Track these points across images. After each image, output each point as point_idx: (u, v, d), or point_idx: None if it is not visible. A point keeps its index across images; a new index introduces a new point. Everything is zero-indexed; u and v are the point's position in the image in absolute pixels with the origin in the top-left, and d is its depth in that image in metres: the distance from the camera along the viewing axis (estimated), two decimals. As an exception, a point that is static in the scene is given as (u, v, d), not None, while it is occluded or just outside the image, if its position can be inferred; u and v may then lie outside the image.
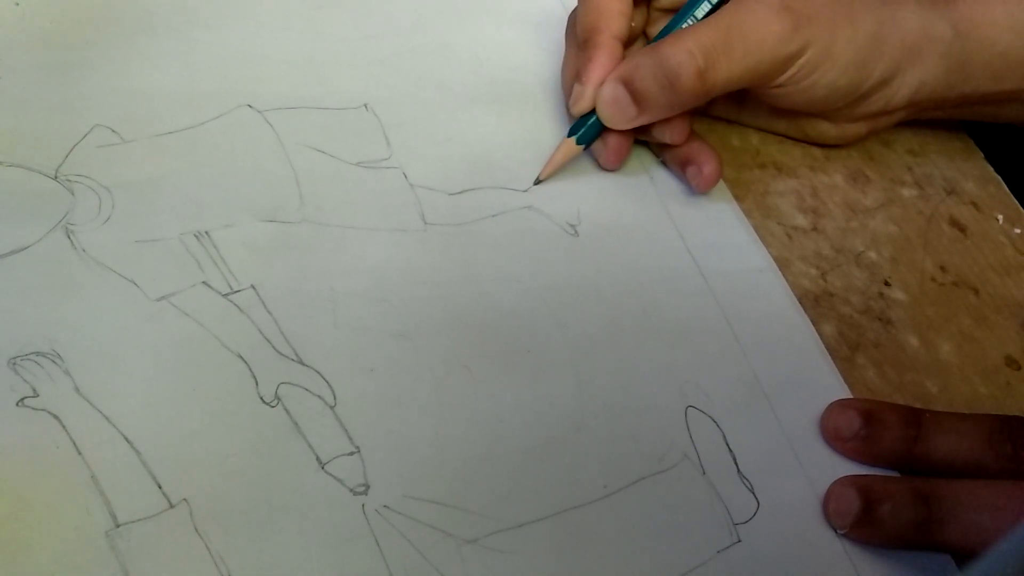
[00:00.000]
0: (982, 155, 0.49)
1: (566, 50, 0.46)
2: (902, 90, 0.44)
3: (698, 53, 0.40)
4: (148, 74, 0.43)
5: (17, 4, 0.44)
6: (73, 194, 0.38)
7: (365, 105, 0.44)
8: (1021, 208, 0.48)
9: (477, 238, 0.41)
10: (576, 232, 0.42)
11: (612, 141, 0.43)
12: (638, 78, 0.41)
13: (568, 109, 0.44)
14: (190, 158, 0.41)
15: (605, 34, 0.42)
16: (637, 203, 0.44)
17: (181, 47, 0.44)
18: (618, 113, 0.42)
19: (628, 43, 0.44)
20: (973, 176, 0.48)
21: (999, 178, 0.49)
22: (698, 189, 0.44)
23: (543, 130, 0.46)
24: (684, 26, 0.43)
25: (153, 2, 0.45)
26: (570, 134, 0.43)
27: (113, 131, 0.41)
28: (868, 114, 0.45)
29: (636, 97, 0.41)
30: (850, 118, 0.46)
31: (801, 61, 0.41)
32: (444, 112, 0.45)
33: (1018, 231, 0.47)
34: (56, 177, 0.39)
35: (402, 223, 0.41)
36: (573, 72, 0.44)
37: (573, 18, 0.45)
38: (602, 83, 0.42)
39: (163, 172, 0.40)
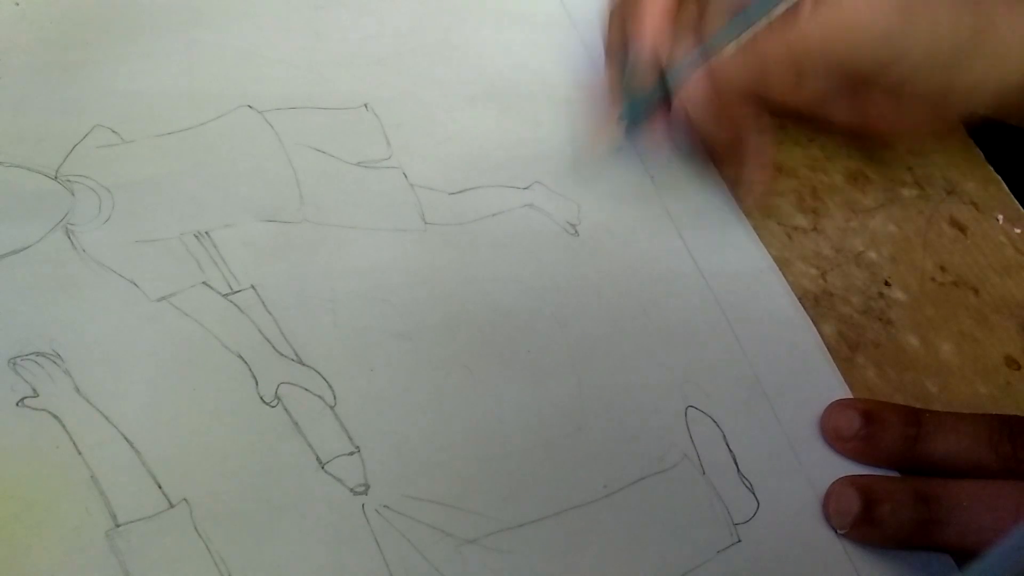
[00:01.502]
0: (982, 155, 0.49)
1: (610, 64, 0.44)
2: (987, 86, 0.40)
3: (795, 40, 0.38)
4: (148, 74, 0.43)
5: (17, 4, 0.44)
6: (73, 194, 0.38)
7: (365, 105, 0.44)
8: (1021, 208, 0.48)
9: (477, 238, 0.41)
10: (576, 232, 0.42)
11: (657, 125, 0.42)
12: (727, 68, 0.39)
13: (610, 82, 0.43)
14: (190, 158, 0.41)
15: None
16: (637, 203, 0.44)
17: (181, 47, 0.44)
18: (695, 97, 0.40)
19: None
20: (973, 176, 0.48)
21: (999, 178, 0.49)
22: (751, 201, 0.44)
23: (543, 129, 0.46)
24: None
25: (153, 2, 0.45)
26: (623, 118, 0.43)
27: (113, 131, 0.41)
28: (954, 109, 0.43)
29: (759, 71, 0.39)
30: (939, 114, 0.44)
31: (905, 60, 0.39)
32: (444, 112, 0.45)
33: (1018, 231, 0.47)
34: (56, 177, 0.39)
35: (402, 223, 0.41)
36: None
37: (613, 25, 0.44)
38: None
39: (163, 172, 0.40)
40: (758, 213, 0.45)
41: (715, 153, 0.45)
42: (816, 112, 0.45)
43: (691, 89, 0.40)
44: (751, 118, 0.41)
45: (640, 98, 0.42)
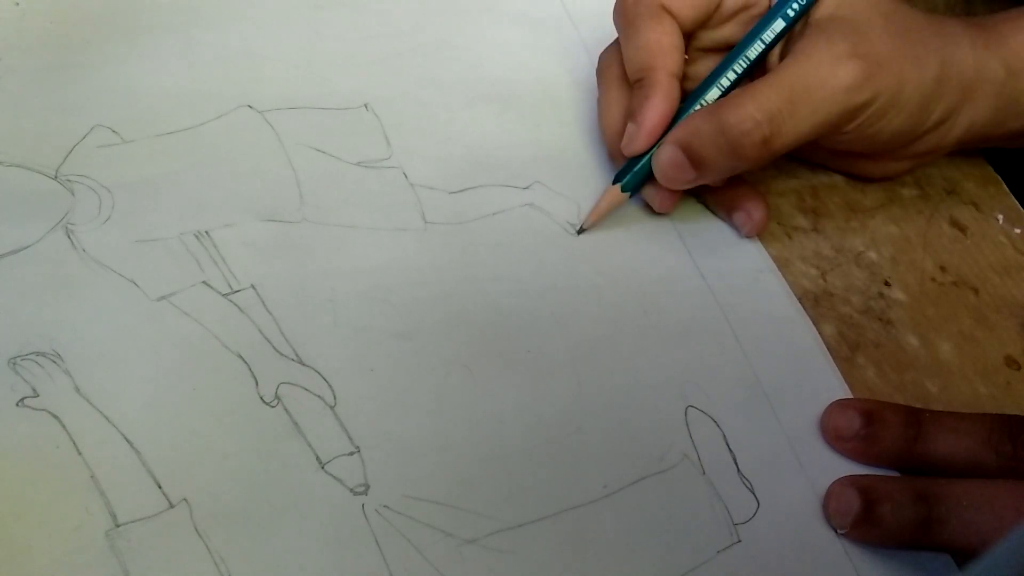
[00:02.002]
0: (982, 155, 0.49)
1: (605, 88, 0.44)
2: (955, 130, 0.43)
3: (763, 120, 0.38)
4: (148, 74, 0.43)
5: (17, 4, 0.44)
6: (73, 194, 0.38)
7: (365, 105, 0.44)
8: (1021, 208, 0.48)
9: (477, 237, 0.41)
10: (576, 232, 0.42)
11: (665, 190, 0.42)
12: (698, 144, 0.39)
13: (610, 153, 0.43)
14: (190, 158, 0.41)
15: (661, 72, 0.40)
16: (637, 203, 0.44)
17: (181, 47, 0.44)
18: (677, 176, 0.40)
19: None
20: (973, 176, 0.48)
21: (999, 178, 0.49)
22: (747, 234, 0.43)
23: (543, 129, 0.46)
24: (731, 75, 0.41)
25: (153, 2, 0.45)
26: (616, 180, 0.42)
27: (113, 131, 0.41)
28: (917, 153, 0.44)
29: (695, 162, 0.40)
30: (899, 157, 0.45)
31: (870, 111, 0.40)
32: (444, 112, 0.45)
33: (1018, 231, 0.47)
34: (56, 177, 0.39)
35: (402, 222, 0.41)
36: (618, 113, 0.42)
37: (611, 56, 0.44)
38: (659, 127, 0.40)
39: (163, 172, 0.40)
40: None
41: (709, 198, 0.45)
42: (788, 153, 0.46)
43: (663, 162, 0.40)
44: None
45: (641, 172, 0.42)
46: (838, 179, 0.47)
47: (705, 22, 0.42)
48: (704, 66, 0.43)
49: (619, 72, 0.43)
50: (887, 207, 0.47)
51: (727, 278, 0.42)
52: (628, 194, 0.42)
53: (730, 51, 0.42)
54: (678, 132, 0.40)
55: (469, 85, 0.46)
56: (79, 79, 0.42)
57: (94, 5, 0.44)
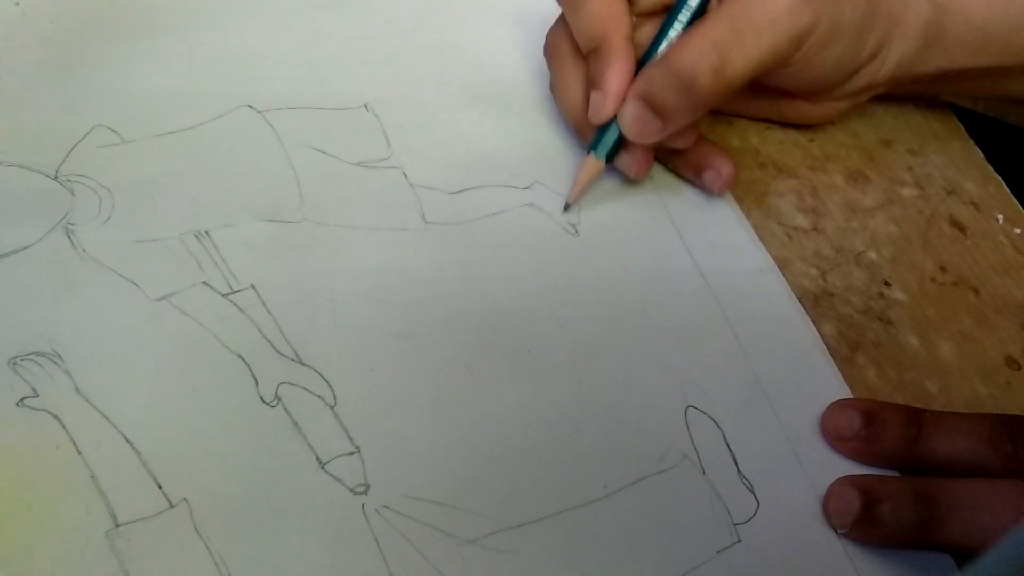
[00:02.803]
0: (982, 155, 0.49)
1: (557, 66, 0.44)
2: (887, 64, 0.44)
3: (709, 49, 0.39)
4: (148, 74, 0.43)
5: (17, 4, 0.44)
6: (73, 194, 0.38)
7: (365, 105, 0.44)
8: (1021, 208, 0.48)
9: (477, 237, 0.41)
10: (576, 232, 0.42)
11: (638, 153, 0.42)
12: (655, 92, 0.40)
13: (576, 129, 0.44)
14: (190, 158, 0.41)
15: (616, 37, 0.41)
16: (637, 203, 0.44)
17: (181, 47, 0.44)
18: (643, 129, 0.41)
19: None
20: (973, 176, 0.48)
21: (999, 178, 0.49)
22: (718, 192, 0.44)
23: (543, 129, 0.46)
24: (678, 26, 0.42)
25: (153, 2, 0.45)
26: (590, 150, 0.42)
27: (113, 131, 0.41)
28: (853, 90, 0.45)
29: (658, 110, 0.40)
30: (835, 96, 0.45)
31: (813, 37, 0.40)
32: (444, 112, 0.45)
33: (1018, 231, 0.47)
34: (56, 177, 0.39)
35: (402, 223, 0.41)
36: (577, 88, 0.43)
37: (556, 35, 0.44)
38: (623, 90, 0.41)
39: (163, 172, 0.40)
40: (758, 213, 0.45)
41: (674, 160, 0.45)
42: (723, 108, 0.48)
43: (628, 118, 0.41)
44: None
45: (612, 137, 0.42)
46: (838, 179, 0.47)
47: None
48: (648, 31, 0.43)
49: (570, 47, 0.43)
50: (887, 207, 0.47)
51: (727, 278, 0.42)
52: (604, 160, 0.42)
53: (672, 6, 0.42)
54: (635, 87, 0.41)
55: (469, 85, 0.46)
56: (79, 79, 0.42)
57: (94, 5, 0.44)
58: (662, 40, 0.42)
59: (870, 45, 0.42)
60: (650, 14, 0.44)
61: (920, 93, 0.49)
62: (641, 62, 0.42)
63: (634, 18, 0.43)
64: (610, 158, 0.42)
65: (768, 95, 0.46)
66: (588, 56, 0.42)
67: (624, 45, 0.41)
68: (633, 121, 0.41)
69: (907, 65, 0.44)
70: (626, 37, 0.41)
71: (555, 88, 0.45)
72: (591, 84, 0.42)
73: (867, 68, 0.44)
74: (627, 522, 0.35)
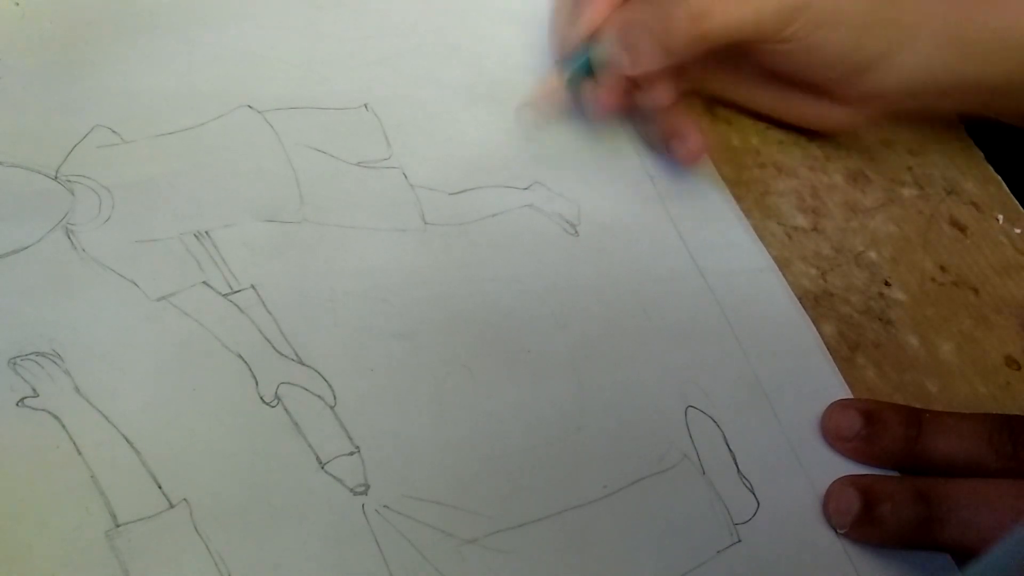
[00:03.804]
0: (982, 155, 0.49)
1: None
2: (899, 70, 0.42)
3: None
4: (148, 74, 0.43)
5: (17, 4, 0.44)
6: (73, 194, 0.38)
7: (365, 105, 0.44)
8: (1021, 208, 0.48)
9: (477, 238, 0.41)
10: (576, 232, 0.43)
11: (603, 89, 0.42)
12: (630, 28, 0.40)
13: (560, 44, 0.44)
14: (190, 158, 0.41)
15: None
16: (637, 203, 0.44)
17: (181, 47, 0.44)
18: (636, 62, 0.40)
19: None
20: (973, 176, 0.48)
21: (999, 178, 0.49)
22: (683, 162, 0.43)
23: (543, 129, 0.46)
24: None
25: (153, 2, 0.45)
26: (563, 67, 0.42)
27: (113, 131, 0.40)
28: (864, 94, 0.44)
29: (631, 48, 0.40)
30: (845, 100, 0.44)
31: (805, 16, 0.39)
32: (444, 112, 0.45)
33: (1018, 231, 0.47)
34: (56, 177, 0.39)
35: (402, 223, 0.41)
36: (568, 10, 0.43)
37: None
38: (600, 12, 0.41)
39: (163, 172, 0.40)
40: (758, 213, 0.45)
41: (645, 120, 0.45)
42: (729, 93, 0.46)
43: (604, 44, 0.41)
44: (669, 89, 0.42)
45: (579, 60, 0.42)
46: (838, 179, 0.47)
47: None
48: None
49: None
50: (887, 207, 0.47)
51: (727, 278, 0.42)
52: (566, 78, 0.42)
53: None
54: (616, 18, 0.40)
55: (469, 85, 0.46)
56: (79, 79, 0.42)
57: (94, 5, 0.44)
58: None
59: (876, 42, 0.41)
60: None
61: (943, 110, 0.47)
62: None
63: None
64: (572, 80, 0.43)
65: (778, 86, 0.45)
66: None
67: None
68: (627, 50, 0.40)
69: (923, 72, 0.42)
70: None
71: (555, 10, 0.45)
72: (573, 5, 0.42)
73: (876, 70, 0.42)
74: (627, 522, 0.35)
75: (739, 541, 0.36)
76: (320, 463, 0.34)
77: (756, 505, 0.37)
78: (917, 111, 0.47)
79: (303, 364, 0.36)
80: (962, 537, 0.35)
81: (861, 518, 0.36)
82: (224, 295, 0.37)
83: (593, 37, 0.42)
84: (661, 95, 0.42)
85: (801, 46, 0.41)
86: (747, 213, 0.45)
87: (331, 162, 0.42)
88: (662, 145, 0.44)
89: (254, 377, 0.36)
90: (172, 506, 0.32)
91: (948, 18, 0.42)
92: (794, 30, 0.40)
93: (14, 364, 0.34)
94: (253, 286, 0.38)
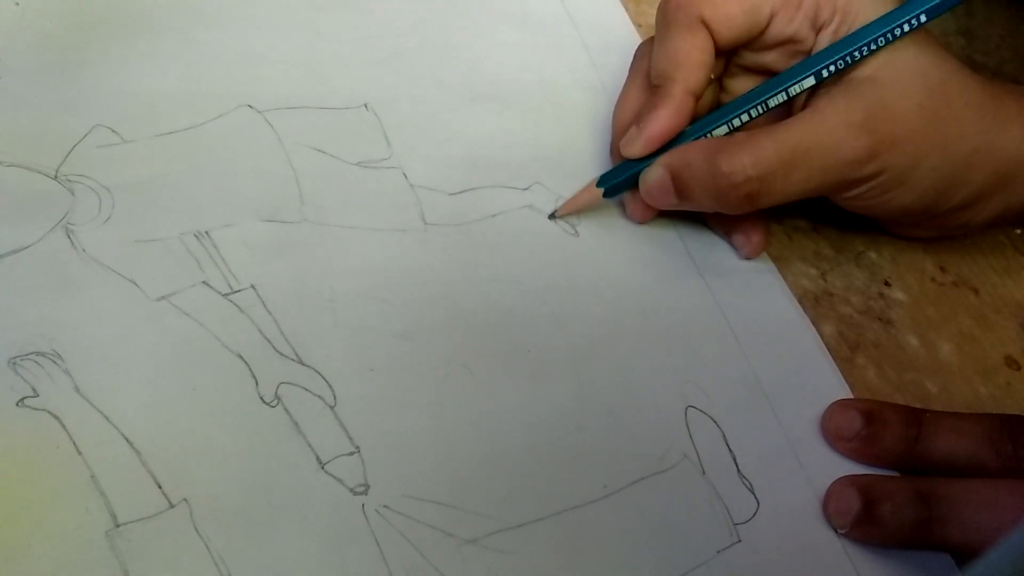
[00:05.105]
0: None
1: (629, 80, 0.43)
2: (984, 212, 0.41)
3: (755, 176, 0.37)
4: (148, 74, 0.43)
5: (17, 4, 0.44)
6: (73, 194, 0.38)
7: (365, 105, 0.44)
8: (1021, 208, 0.48)
9: (477, 238, 0.41)
10: (576, 232, 0.43)
11: (642, 204, 0.42)
12: (687, 177, 0.39)
13: (611, 145, 0.43)
14: (190, 158, 0.41)
15: (680, 86, 0.40)
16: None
17: (181, 47, 0.44)
18: (659, 197, 0.40)
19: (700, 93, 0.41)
20: (973, 176, 0.48)
21: (999, 178, 0.49)
22: (746, 256, 0.43)
23: (543, 129, 0.46)
24: (745, 116, 0.40)
25: (153, 2, 0.45)
26: (600, 183, 0.42)
27: (113, 131, 0.41)
28: (944, 227, 0.43)
29: (680, 191, 0.39)
30: (924, 227, 0.43)
31: (872, 183, 0.39)
32: (444, 112, 0.45)
33: (1018, 231, 0.47)
34: (56, 177, 0.39)
35: (402, 223, 0.41)
36: (632, 110, 0.42)
37: (645, 50, 0.43)
38: (658, 138, 0.40)
39: (163, 172, 0.40)
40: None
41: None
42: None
43: (650, 182, 0.40)
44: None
45: (620, 178, 0.42)
46: (838, 179, 0.47)
47: (746, 44, 0.41)
48: (742, 84, 0.42)
49: (647, 68, 0.42)
50: (887, 207, 0.47)
51: (727, 278, 0.42)
52: (602, 192, 0.42)
53: (754, 89, 0.41)
54: (672, 157, 0.40)
55: (469, 85, 0.46)
56: (79, 79, 0.42)
57: (94, 5, 0.44)
58: (722, 121, 0.40)
59: (959, 197, 0.40)
60: (750, 70, 0.42)
61: None
62: (699, 124, 0.41)
63: (732, 68, 0.42)
64: (613, 193, 0.42)
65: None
66: (652, 89, 0.41)
67: (682, 97, 0.40)
68: (653, 187, 0.40)
69: (1015, 211, 0.41)
70: (689, 91, 0.40)
71: (619, 97, 0.43)
72: (637, 117, 0.41)
73: (959, 213, 0.41)
74: (627, 522, 0.35)
75: (739, 541, 0.36)
76: (320, 463, 0.34)
77: (756, 505, 0.37)
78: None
79: (303, 364, 0.36)
80: (962, 537, 0.35)
81: (861, 518, 0.36)
82: (224, 295, 0.37)
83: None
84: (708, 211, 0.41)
85: (863, 204, 0.40)
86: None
87: (331, 162, 0.42)
88: (723, 235, 0.43)
89: (254, 377, 0.36)
90: (172, 506, 0.32)
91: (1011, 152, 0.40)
92: (855, 193, 0.39)
93: (14, 364, 0.34)
94: (253, 286, 0.38)
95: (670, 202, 0.40)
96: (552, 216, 0.42)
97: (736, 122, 0.40)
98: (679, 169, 0.39)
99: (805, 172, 0.38)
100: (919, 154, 0.38)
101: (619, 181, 0.42)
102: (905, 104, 0.38)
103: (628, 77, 0.43)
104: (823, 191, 0.40)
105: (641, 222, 0.43)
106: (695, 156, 0.39)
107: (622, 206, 0.43)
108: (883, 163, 0.38)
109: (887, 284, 0.44)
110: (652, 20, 0.43)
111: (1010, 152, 0.39)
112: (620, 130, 0.42)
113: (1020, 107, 0.40)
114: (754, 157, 0.38)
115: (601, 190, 0.42)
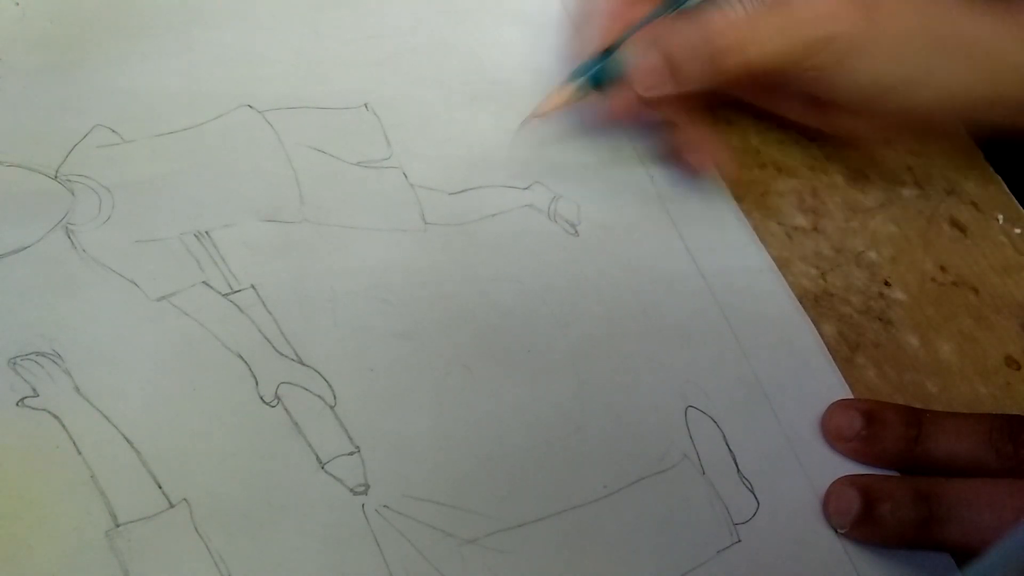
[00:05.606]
0: (982, 155, 0.49)
1: None
2: (935, 92, 0.41)
3: (745, 25, 0.37)
4: (148, 74, 0.43)
5: (17, 4, 0.44)
6: (73, 194, 0.38)
7: (365, 105, 0.44)
8: (1021, 208, 0.48)
9: (477, 238, 0.41)
10: (576, 232, 0.43)
11: (623, 100, 0.41)
12: (677, 50, 0.38)
13: (576, 37, 0.42)
14: (190, 158, 0.41)
15: None
16: (637, 203, 0.44)
17: (181, 47, 0.44)
18: (653, 83, 0.39)
19: None
20: (973, 176, 0.48)
21: (999, 178, 0.49)
22: (696, 170, 0.42)
23: (543, 129, 0.45)
24: None
25: (153, 2, 0.45)
26: (572, 78, 0.41)
27: (113, 131, 0.41)
28: (897, 113, 0.43)
29: (674, 71, 0.38)
30: (880, 116, 0.43)
31: (834, 45, 0.39)
32: (444, 112, 0.45)
33: (1018, 231, 0.47)
34: (56, 177, 0.39)
35: (402, 223, 0.41)
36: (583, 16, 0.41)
37: None
38: (615, 27, 0.39)
39: (163, 172, 0.40)
40: (758, 213, 0.45)
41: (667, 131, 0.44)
42: (766, 105, 0.45)
43: (642, 68, 0.40)
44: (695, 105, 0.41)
45: (591, 71, 0.41)
46: (838, 179, 0.47)
47: None
48: None
49: None
50: (887, 207, 0.47)
51: (727, 278, 0.42)
52: (575, 85, 0.41)
53: None
54: (661, 37, 0.39)
55: (469, 85, 0.46)
56: (79, 79, 0.42)
57: (94, 5, 0.44)
58: None
59: (903, 70, 0.40)
60: None
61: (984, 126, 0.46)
62: (666, 3, 0.40)
63: None
64: (586, 90, 0.41)
65: (810, 100, 0.43)
66: None
67: None
68: (646, 72, 0.39)
69: (954, 96, 0.41)
70: None
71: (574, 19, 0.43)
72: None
73: (903, 95, 0.41)
74: (627, 522, 0.35)
75: (739, 541, 0.36)
76: (320, 463, 0.34)
77: (756, 505, 0.37)
78: (945, 127, 0.45)
79: (303, 364, 0.36)
80: (962, 537, 0.35)
81: (861, 518, 0.36)
82: (224, 295, 0.37)
83: (607, 49, 0.41)
84: (677, 112, 0.41)
85: (827, 74, 0.40)
86: (747, 213, 0.45)
87: (331, 162, 0.42)
88: (671, 155, 0.44)
89: (254, 377, 0.36)
90: (172, 506, 0.32)
91: (991, 39, 0.40)
92: (819, 60, 0.39)
93: (14, 364, 0.34)
94: (253, 286, 0.38)
95: (666, 89, 0.39)
96: (524, 123, 0.42)
97: None
98: (670, 47, 0.39)
99: (795, 27, 0.38)
100: (905, 21, 0.39)
101: (589, 74, 0.41)
102: None
103: None
104: (791, 56, 0.39)
105: (610, 124, 0.42)
106: (681, 28, 0.39)
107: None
108: (878, 31, 0.38)
109: (887, 284, 0.44)
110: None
111: (960, 26, 0.40)
112: (584, 17, 0.42)
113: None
114: (741, 8, 0.38)
115: (573, 86, 0.41)
